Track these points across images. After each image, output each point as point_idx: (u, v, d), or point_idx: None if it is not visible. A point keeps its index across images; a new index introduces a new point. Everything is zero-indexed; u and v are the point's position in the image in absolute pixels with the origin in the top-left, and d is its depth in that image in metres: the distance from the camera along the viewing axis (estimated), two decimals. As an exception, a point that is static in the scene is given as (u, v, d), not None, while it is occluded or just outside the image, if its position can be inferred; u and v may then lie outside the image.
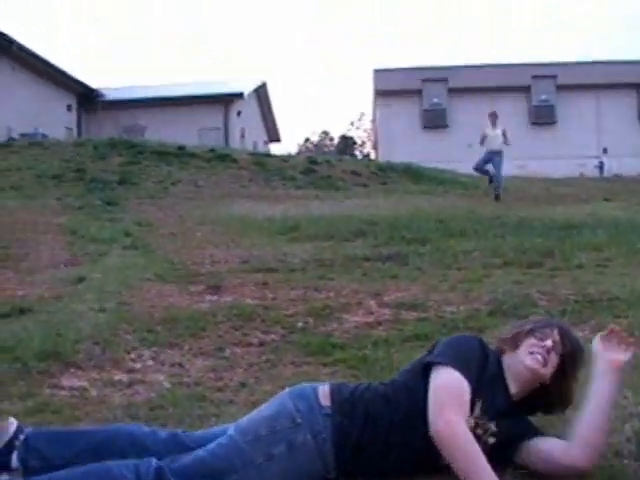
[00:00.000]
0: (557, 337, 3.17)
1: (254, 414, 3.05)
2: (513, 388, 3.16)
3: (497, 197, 19.32)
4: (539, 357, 3.11)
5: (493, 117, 20.22)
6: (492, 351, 3.21)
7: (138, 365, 5.12)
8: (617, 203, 19.13)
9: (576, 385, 3.22)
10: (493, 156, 19.85)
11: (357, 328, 5.99)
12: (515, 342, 3.20)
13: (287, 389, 3.15)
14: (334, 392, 3.06)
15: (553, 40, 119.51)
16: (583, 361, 3.24)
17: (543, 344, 3.13)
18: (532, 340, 3.16)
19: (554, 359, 3.15)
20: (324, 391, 3.05)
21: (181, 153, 23.24)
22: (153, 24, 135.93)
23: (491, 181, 20.07)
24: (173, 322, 6.16)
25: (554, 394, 3.21)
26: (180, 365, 5.10)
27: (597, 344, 3.14)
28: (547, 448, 3.09)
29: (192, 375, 4.86)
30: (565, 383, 3.20)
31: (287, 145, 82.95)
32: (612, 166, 40.78)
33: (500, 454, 3.02)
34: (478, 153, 20.54)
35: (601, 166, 41.32)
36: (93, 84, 38.19)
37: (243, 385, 4.58)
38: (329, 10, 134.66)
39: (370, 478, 2.97)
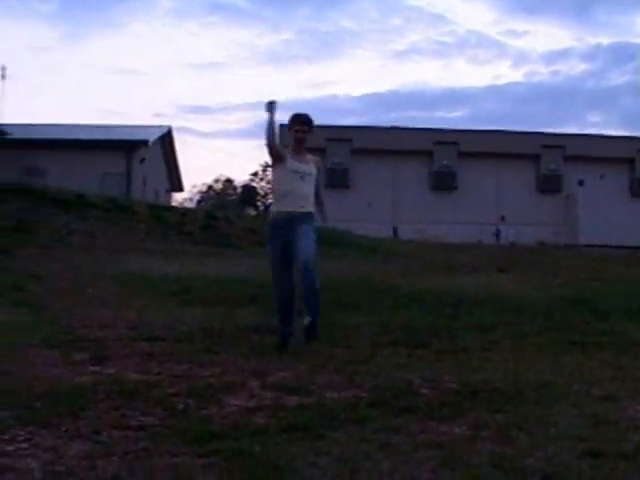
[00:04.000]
0: None
1: None
2: None
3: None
4: None
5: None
6: None
7: (11, 448, 4.91)
8: (511, 275, 19.52)
9: None
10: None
11: (237, 413, 5.95)
12: None
13: None
14: None
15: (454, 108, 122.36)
16: None
17: None
18: None
19: None
20: None
21: (80, 202, 22.98)
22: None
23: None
24: (53, 397, 6.02)
25: None
26: (54, 450, 4.94)
27: None
28: None
29: (66, 462, 4.70)
30: None
31: (189, 192, 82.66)
32: (509, 234, 41.79)
33: None
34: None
35: (498, 234, 42.31)
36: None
37: (115, 478, 4.47)
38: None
39: None
